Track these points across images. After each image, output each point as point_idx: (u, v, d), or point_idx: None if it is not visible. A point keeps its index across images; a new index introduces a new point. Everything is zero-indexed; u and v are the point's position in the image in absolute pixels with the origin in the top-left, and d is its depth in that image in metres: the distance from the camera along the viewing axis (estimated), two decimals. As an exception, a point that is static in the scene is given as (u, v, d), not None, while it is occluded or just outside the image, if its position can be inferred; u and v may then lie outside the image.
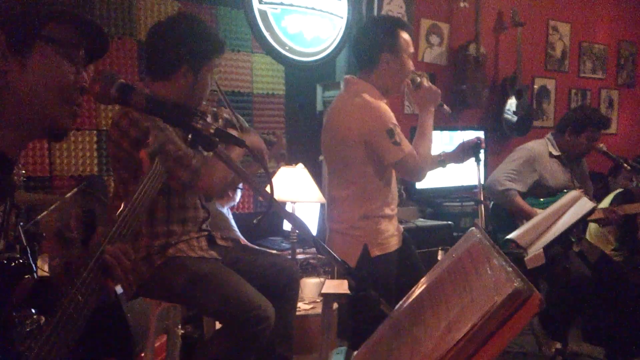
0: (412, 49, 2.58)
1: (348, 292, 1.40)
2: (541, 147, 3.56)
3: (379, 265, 2.48)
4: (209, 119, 2.19)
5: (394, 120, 2.46)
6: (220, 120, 2.26)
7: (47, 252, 2.97)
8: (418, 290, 1.06)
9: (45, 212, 2.88)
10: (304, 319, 3.26)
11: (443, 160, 2.74)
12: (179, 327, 2.37)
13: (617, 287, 3.47)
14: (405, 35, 2.56)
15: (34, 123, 1.14)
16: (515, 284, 0.69)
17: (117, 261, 1.09)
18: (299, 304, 3.33)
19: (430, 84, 2.57)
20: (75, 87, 1.14)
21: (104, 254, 1.08)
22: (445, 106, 2.62)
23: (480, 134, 4.46)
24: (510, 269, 0.76)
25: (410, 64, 2.58)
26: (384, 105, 2.49)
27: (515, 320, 0.68)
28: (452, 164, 2.77)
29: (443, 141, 4.20)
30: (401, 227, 2.71)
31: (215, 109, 2.29)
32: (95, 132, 3.55)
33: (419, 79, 2.58)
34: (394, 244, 2.56)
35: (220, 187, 2.17)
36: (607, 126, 3.68)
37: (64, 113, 1.15)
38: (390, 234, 2.55)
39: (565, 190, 3.40)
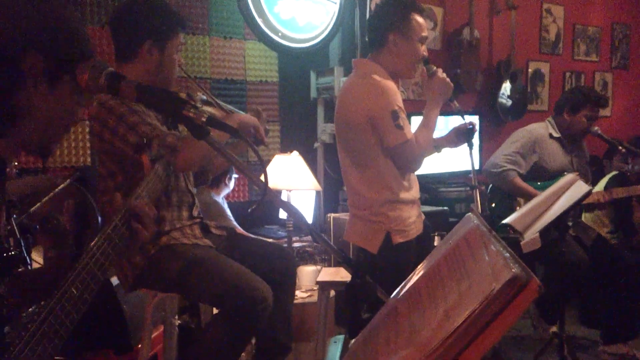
0: (425, 34, 2.53)
1: (344, 279, 1.39)
2: (542, 129, 3.55)
3: (400, 253, 2.45)
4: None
5: (400, 103, 2.42)
6: (197, 102, 2.25)
7: (41, 244, 2.94)
8: (415, 277, 1.05)
9: (38, 204, 2.85)
10: (302, 307, 3.26)
11: (438, 145, 2.71)
12: (176, 317, 2.36)
13: (613, 269, 3.48)
14: (418, 19, 2.51)
15: (34, 143, 1.17)
16: (513, 270, 0.68)
17: (144, 211, 1.16)
18: (297, 292, 3.33)
19: (444, 75, 2.50)
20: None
21: (131, 206, 1.16)
22: (455, 102, 2.57)
23: (475, 119, 4.45)
24: (508, 254, 0.75)
25: (421, 49, 2.52)
26: (392, 86, 2.44)
27: (513, 307, 0.67)
28: (447, 148, 2.75)
29: (438, 126, 4.17)
30: (422, 214, 2.69)
31: (188, 91, 2.28)
32: (87, 122, 3.52)
33: (434, 68, 2.53)
34: (415, 230, 2.53)
35: (199, 163, 2.14)
36: (604, 104, 3.65)
37: (60, 138, 1.20)
38: (412, 220, 2.52)
39: (564, 173, 3.39)
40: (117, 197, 1.22)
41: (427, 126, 2.49)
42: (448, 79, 2.51)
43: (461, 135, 2.65)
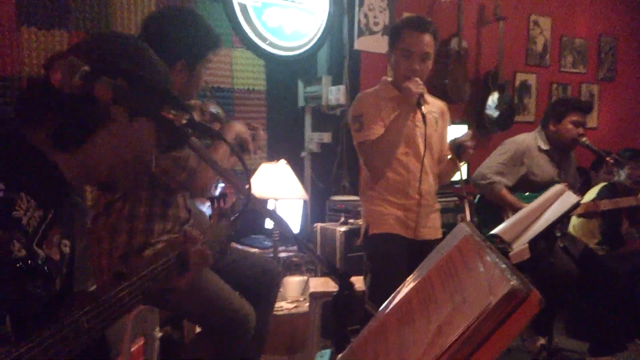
0: (407, 47, 2.55)
1: (335, 290, 1.35)
2: (531, 140, 3.50)
3: (374, 243, 2.62)
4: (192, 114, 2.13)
5: (365, 109, 2.60)
6: (206, 114, 2.20)
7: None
8: (405, 289, 1.01)
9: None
10: (289, 318, 3.20)
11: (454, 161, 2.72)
12: (157, 329, 2.30)
13: (602, 281, 3.46)
14: (407, 33, 2.57)
15: (99, 174, 1.17)
16: (511, 283, 0.64)
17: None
18: (282, 303, 3.27)
19: (407, 84, 2.50)
20: None
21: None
22: (422, 108, 2.52)
23: (463, 129, 4.44)
24: (505, 265, 0.71)
25: (405, 63, 2.56)
26: (364, 95, 2.70)
27: (512, 322, 0.63)
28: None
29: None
30: (438, 233, 2.74)
31: (200, 103, 2.23)
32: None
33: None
34: (397, 227, 2.62)
35: (212, 186, 2.15)
36: (587, 108, 3.60)
37: (128, 176, 1.21)
38: (394, 217, 2.62)
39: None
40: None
41: (386, 131, 2.54)
42: (411, 86, 2.49)
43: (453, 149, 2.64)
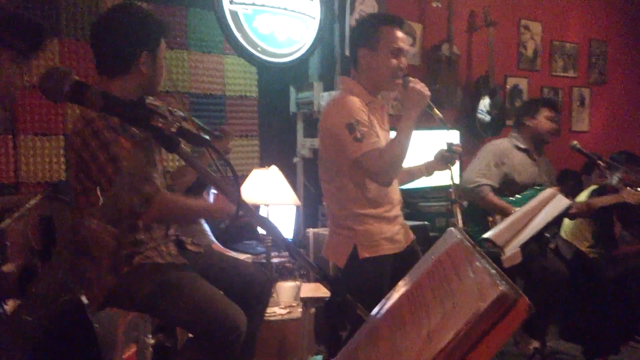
0: (399, 45, 2.45)
1: (326, 295, 1.36)
2: (507, 142, 3.65)
3: (368, 268, 2.39)
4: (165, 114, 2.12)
5: (359, 116, 2.35)
6: (176, 114, 2.20)
7: (13, 261, 2.86)
8: (396, 294, 1.01)
9: (8, 221, 2.77)
10: (281, 324, 3.20)
11: (427, 169, 2.69)
12: (150, 336, 2.29)
13: (594, 283, 3.48)
14: (390, 31, 2.45)
15: None
16: (500, 288, 0.65)
17: None
18: (275, 309, 3.27)
19: (417, 85, 2.38)
20: None
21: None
22: (435, 110, 2.44)
23: (455, 134, 4.46)
24: (494, 271, 0.71)
25: (393, 61, 2.44)
26: (351, 100, 2.40)
27: (501, 328, 0.63)
28: (437, 171, 2.69)
29: (418, 141, 4.15)
30: (411, 234, 2.63)
31: (167, 104, 2.22)
32: (62, 137, 3.45)
33: (408, 79, 2.43)
34: (387, 247, 2.46)
35: (170, 221, 2.12)
36: (555, 104, 3.79)
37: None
38: (384, 236, 2.45)
39: (537, 187, 3.42)
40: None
41: (396, 138, 2.37)
42: (422, 88, 2.38)
43: (444, 155, 2.60)
